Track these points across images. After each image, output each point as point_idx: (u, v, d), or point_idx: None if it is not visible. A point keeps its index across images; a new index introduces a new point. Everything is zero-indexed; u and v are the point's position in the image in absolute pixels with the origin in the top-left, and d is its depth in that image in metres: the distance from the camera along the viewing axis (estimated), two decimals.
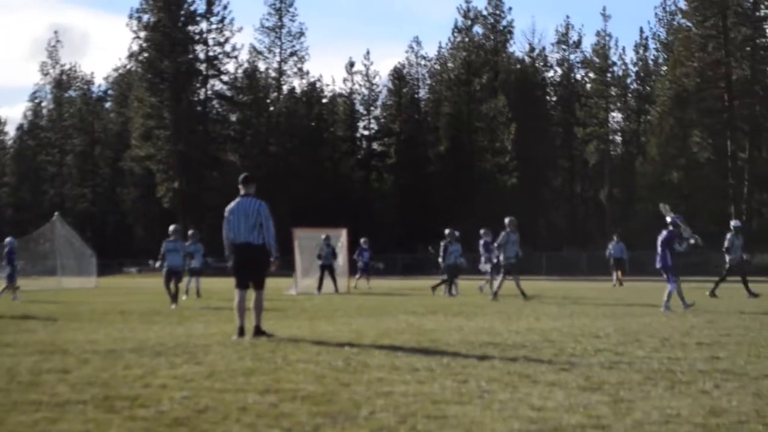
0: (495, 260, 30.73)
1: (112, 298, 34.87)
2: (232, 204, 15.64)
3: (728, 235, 31.79)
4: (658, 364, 10.82)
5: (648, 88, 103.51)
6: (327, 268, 38.27)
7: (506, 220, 30.64)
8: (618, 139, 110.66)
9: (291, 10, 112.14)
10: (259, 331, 15.10)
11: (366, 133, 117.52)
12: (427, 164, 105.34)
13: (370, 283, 44.56)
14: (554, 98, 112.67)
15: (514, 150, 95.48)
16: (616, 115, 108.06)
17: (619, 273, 45.96)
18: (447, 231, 35.68)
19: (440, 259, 35.21)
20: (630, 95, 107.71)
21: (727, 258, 31.65)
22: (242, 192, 15.76)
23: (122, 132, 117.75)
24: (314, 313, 22.08)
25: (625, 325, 17.40)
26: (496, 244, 30.45)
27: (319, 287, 37.48)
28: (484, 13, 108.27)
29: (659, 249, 23.34)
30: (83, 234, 68.28)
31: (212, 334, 15.64)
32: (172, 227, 29.41)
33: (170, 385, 9.30)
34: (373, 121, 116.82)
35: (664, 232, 23.46)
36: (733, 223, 33.46)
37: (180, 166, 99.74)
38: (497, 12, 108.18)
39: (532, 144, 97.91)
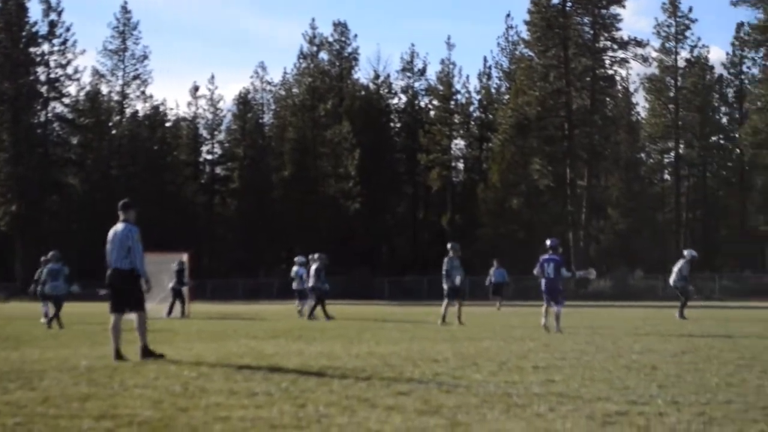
0: (447, 285, 30.41)
1: None
2: (111, 230, 15.91)
3: (682, 262, 33.61)
4: (494, 388, 10.97)
5: (490, 116, 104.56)
6: (178, 292, 37.92)
7: (449, 245, 30.79)
8: (460, 165, 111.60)
9: (135, 33, 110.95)
10: (146, 352, 15.54)
11: (210, 157, 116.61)
12: (271, 189, 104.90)
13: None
14: (398, 125, 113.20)
15: (358, 176, 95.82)
16: (459, 142, 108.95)
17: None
18: (317, 255, 36.41)
19: (311, 282, 35.68)
20: (473, 123, 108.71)
21: (675, 281, 33.76)
22: (121, 218, 16.04)
23: None
24: (153, 338, 21.74)
25: (463, 349, 17.59)
26: (444, 271, 30.08)
27: (170, 311, 37.15)
28: (330, 39, 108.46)
29: (551, 274, 23.95)
30: None
31: (48, 359, 15.38)
32: (51, 253, 30.42)
33: (2, 411, 9.12)
34: (216, 145, 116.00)
35: (554, 257, 24.19)
36: (690, 252, 34.82)
37: (18, 189, 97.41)
38: (343, 39, 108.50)
39: (376, 170, 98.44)
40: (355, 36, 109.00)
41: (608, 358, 15.41)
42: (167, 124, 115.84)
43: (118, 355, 15.42)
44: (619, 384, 11.44)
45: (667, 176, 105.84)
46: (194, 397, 10.12)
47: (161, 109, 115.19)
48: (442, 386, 11.14)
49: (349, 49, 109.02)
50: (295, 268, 38.61)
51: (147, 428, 8.11)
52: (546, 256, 24.30)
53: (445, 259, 30.12)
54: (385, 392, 10.55)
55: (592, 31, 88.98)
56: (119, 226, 15.86)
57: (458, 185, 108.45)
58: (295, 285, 38.44)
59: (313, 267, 35.90)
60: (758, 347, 17.90)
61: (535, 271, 24.59)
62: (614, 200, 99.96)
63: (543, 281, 24.19)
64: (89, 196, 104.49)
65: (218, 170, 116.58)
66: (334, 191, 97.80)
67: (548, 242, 24.75)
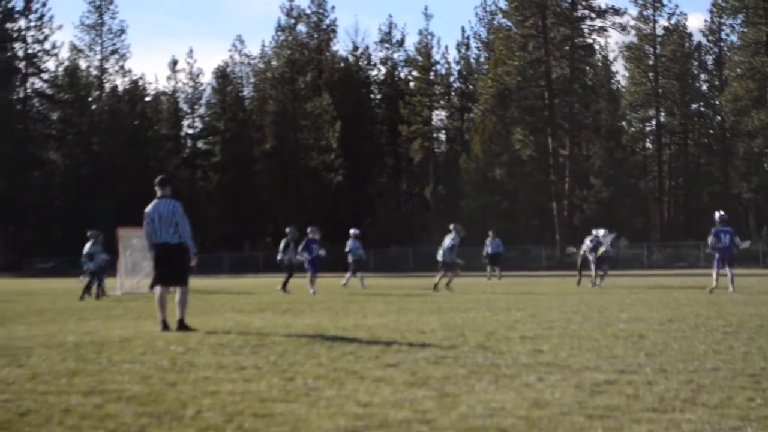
0: (446, 259, 32.83)
1: None
2: (150, 206, 16.38)
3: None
4: (482, 359, 10.96)
5: (471, 86, 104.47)
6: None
7: (451, 226, 33.42)
8: (442, 136, 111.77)
9: (111, 7, 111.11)
10: (182, 326, 15.92)
11: (190, 131, 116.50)
12: (253, 162, 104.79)
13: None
14: (378, 96, 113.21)
15: (340, 148, 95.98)
16: (440, 113, 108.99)
17: (496, 269, 47.72)
18: (288, 229, 35.89)
19: (279, 256, 35.43)
20: (453, 93, 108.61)
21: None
22: (158, 194, 16.53)
23: None
24: (139, 313, 21.79)
25: (450, 320, 17.56)
26: (449, 247, 32.62)
27: (153, 286, 36.58)
28: (307, 11, 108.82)
29: (727, 242, 28.03)
30: None
31: (35, 336, 15.29)
32: (90, 232, 32.60)
33: None
34: (197, 119, 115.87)
35: (728, 229, 28.19)
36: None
37: None
38: (320, 11, 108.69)
39: (358, 142, 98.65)
40: (333, 8, 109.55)
41: (595, 327, 15.43)
42: (147, 99, 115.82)
43: (165, 326, 15.97)
44: (607, 353, 11.45)
45: (648, 144, 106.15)
46: (183, 372, 10.10)
47: (140, 83, 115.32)
48: (429, 358, 11.12)
49: (327, 21, 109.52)
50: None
51: (136, 403, 8.08)
52: (720, 227, 27.95)
53: (451, 237, 32.80)
54: (374, 364, 10.54)
55: (569, 0, 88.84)
56: (160, 202, 16.35)
57: (440, 156, 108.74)
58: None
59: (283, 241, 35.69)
60: (744, 314, 17.95)
61: (710, 240, 28.33)
62: (597, 169, 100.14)
63: (719, 249, 27.88)
64: (71, 171, 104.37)
65: (199, 144, 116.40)
66: (316, 163, 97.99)
67: (720, 215, 28.53)
